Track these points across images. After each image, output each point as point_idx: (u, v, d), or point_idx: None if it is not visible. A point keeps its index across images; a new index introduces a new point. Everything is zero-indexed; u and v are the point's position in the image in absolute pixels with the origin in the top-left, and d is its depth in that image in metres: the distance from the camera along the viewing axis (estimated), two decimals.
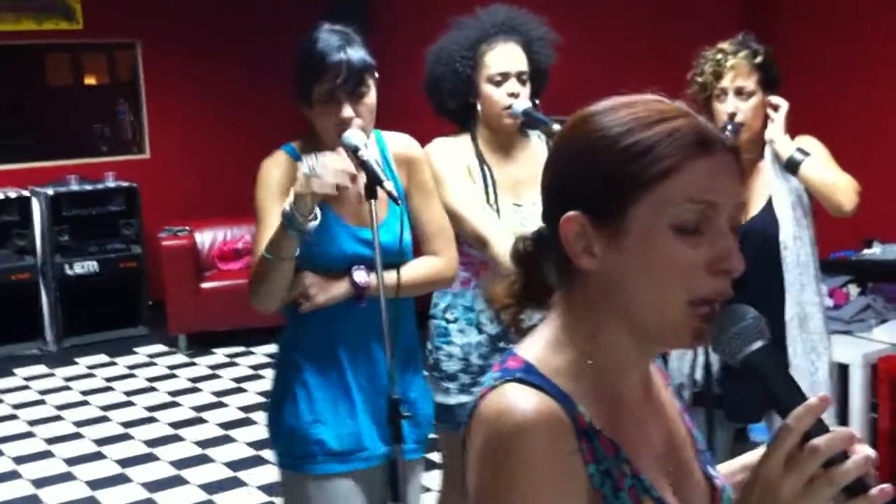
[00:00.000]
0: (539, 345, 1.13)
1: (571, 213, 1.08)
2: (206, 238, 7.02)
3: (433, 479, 3.66)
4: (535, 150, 2.99)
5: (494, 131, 2.92)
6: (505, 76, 2.84)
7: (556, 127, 2.72)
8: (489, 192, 2.86)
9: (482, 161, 2.89)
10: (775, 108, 2.92)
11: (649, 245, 1.05)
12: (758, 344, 1.05)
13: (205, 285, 6.78)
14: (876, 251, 3.36)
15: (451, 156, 2.86)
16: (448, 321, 2.92)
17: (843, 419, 3.77)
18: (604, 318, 1.10)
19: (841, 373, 3.78)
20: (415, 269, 2.46)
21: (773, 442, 0.98)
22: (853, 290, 3.78)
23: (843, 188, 2.84)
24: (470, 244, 2.82)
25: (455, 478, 2.99)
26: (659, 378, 1.25)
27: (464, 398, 2.88)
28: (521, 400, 1.04)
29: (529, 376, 1.07)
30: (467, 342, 2.90)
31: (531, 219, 2.87)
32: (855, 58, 5.02)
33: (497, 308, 1.21)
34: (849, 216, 2.87)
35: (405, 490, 2.34)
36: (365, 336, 2.39)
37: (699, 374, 2.84)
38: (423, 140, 2.71)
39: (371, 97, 2.35)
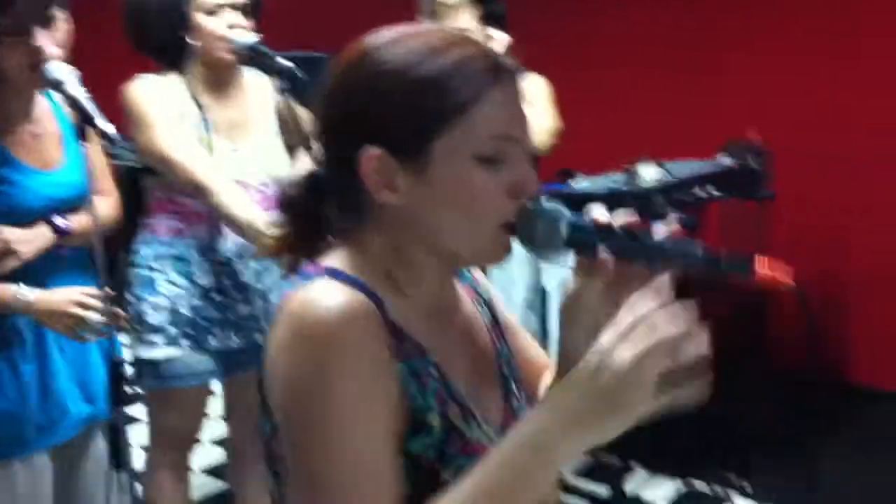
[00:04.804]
0: (338, 258, 1.12)
1: (372, 150, 1.06)
2: None
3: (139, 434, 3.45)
4: (255, 90, 2.84)
5: (210, 69, 2.72)
6: (220, 6, 2.64)
7: (286, 63, 2.60)
8: (205, 136, 2.68)
9: (196, 102, 2.70)
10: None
11: (454, 177, 1.06)
12: (564, 224, 1.07)
13: None
14: (584, 184, 3.50)
15: (159, 97, 2.65)
16: (154, 270, 2.74)
17: (542, 344, 3.95)
18: (406, 248, 1.11)
19: (542, 298, 3.94)
20: (102, 211, 2.30)
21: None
22: None
23: (536, 132, 2.94)
24: (183, 192, 2.66)
25: (158, 432, 2.88)
26: (465, 294, 1.26)
27: (172, 351, 2.73)
28: (331, 291, 1.04)
29: (335, 275, 1.08)
30: (177, 293, 2.74)
31: (252, 163, 2.76)
32: None
33: (274, 257, 1.18)
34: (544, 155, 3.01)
35: (128, 454, 2.20)
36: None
37: None
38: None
39: (64, 26, 2.13)
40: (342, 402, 0.98)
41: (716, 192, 3.64)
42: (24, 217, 2.15)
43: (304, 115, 2.71)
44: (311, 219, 1.16)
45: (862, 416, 4.20)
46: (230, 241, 2.75)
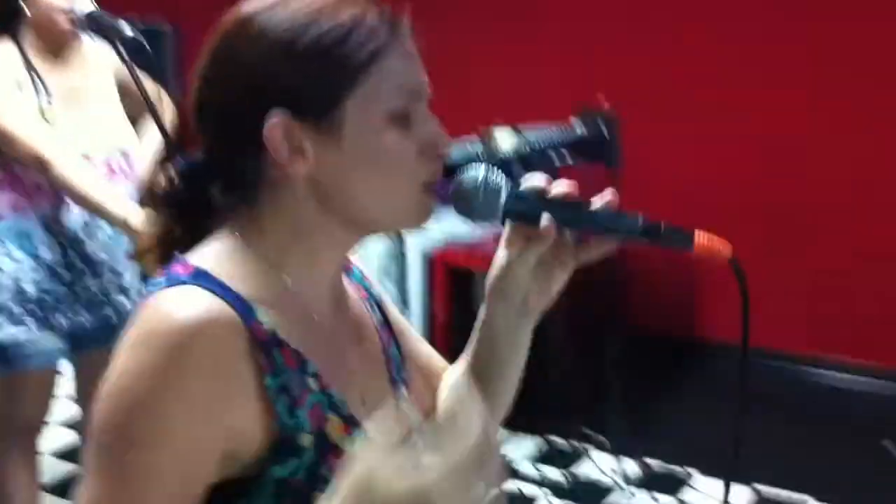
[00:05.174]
0: (214, 254, 1.04)
1: (278, 117, 1.00)
2: None
3: None
4: (94, 58, 2.73)
5: (46, 36, 2.60)
6: None
7: (128, 31, 2.50)
8: (43, 106, 2.57)
9: (32, 70, 2.58)
10: None
11: (367, 137, 1.02)
12: (507, 195, 1.07)
13: None
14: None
15: None
16: None
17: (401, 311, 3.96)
18: (310, 226, 1.05)
19: (401, 265, 3.94)
20: None
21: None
22: None
23: None
24: (24, 165, 2.54)
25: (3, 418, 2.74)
26: (353, 292, 1.20)
27: (16, 331, 2.61)
28: (188, 300, 0.96)
29: (199, 281, 0.99)
30: (20, 270, 2.61)
31: (94, 134, 2.65)
32: None
33: (143, 258, 1.09)
34: None
35: None
36: None
37: None
38: None
39: None
40: (159, 433, 0.92)
41: (569, 159, 3.69)
42: None
43: (149, 85, 2.62)
44: (190, 211, 1.09)
45: (715, 370, 4.35)
46: (75, 214, 2.65)
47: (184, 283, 0.99)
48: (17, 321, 2.61)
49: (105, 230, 2.68)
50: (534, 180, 1.08)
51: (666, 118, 4.43)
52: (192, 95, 1.06)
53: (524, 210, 1.07)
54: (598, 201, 1.07)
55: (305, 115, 1.00)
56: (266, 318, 1.00)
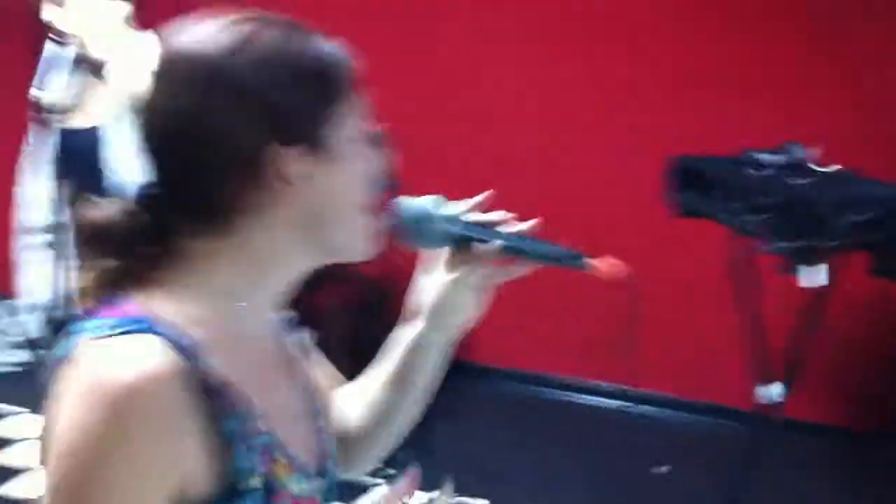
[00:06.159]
0: (162, 292, 1.01)
1: (272, 144, 0.99)
2: None
3: None
4: None
5: None
6: None
7: None
8: None
9: None
10: None
11: (344, 160, 1.04)
12: (449, 225, 1.15)
13: None
14: None
15: None
16: None
17: None
18: (277, 252, 1.04)
19: None
20: None
21: None
22: None
23: None
24: None
25: None
26: (282, 331, 1.18)
27: None
28: (135, 354, 0.93)
29: (150, 325, 0.96)
30: None
31: None
32: None
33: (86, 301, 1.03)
34: None
35: None
36: None
37: None
38: None
39: None
40: (109, 498, 0.91)
41: None
42: None
43: None
44: (147, 244, 1.03)
45: (480, 392, 4.45)
46: None
47: (132, 328, 0.95)
48: None
49: None
50: (468, 208, 1.16)
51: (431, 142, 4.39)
52: (149, 123, 1.02)
53: (472, 235, 1.15)
54: (521, 226, 1.16)
55: (299, 142, 1.01)
56: (215, 360, 0.98)
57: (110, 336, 0.95)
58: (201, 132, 0.99)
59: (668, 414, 4.32)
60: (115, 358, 0.93)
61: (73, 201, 2.83)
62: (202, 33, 1.01)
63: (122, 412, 0.90)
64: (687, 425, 4.26)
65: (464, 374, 4.47)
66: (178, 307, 1.00)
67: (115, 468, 0.91)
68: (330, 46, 1.05)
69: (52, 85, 2.86)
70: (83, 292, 1.04)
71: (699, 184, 3.34)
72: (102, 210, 1.05)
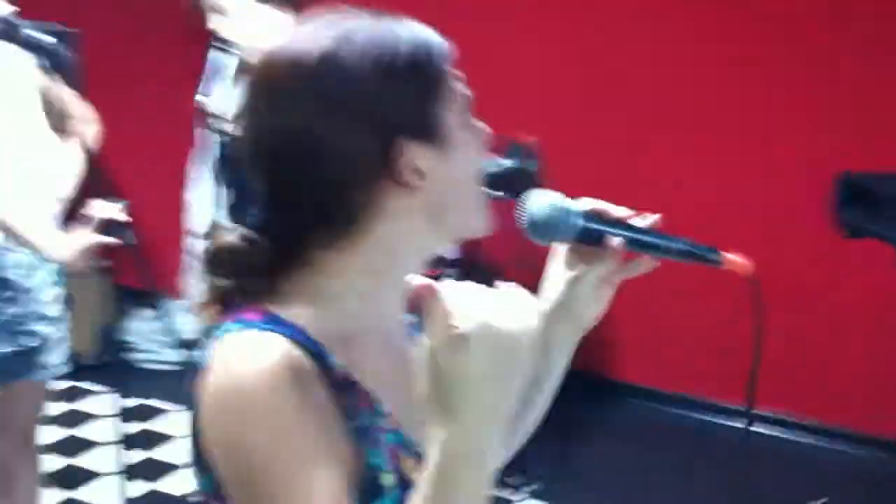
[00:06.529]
0: (281, 298, 1.02)
1: (400, 144, 1.00)
2: None
3: None
4: (6, 62, 2.57)
5: None
6: None
7: (47, 38, 2.35)
8: None
9: None
10: None
11: (457, 145, 1.04)
12: (578, 219, 1.13)
13: None
14: None
15: None
16: None
17: None
18: (408, 245, 1.05)
19: None
20: None
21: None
22: None
23: None
24: None
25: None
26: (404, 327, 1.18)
27: None
28: (264, 347, 0.95)
29: (275, 326, 0.98)
30: None
31: (7, 138, 2.51)
32: None
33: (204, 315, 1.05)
34: None
35: None
36: None
37: None
38: None
39: None
40: (293, 459, 0.92)
41: (495, 192, 3.65)
42: None
43: (65, 94, 2.48)
44: (255, 265, 1.04)
45: (622, 410, 4.33)
46: None
47: (259, 328, 0.97)
48: None
49: (25, 253, 2.54)
50: (596, 203, 1.14)
51: (589, 151, 4.33)
52: (262, 136, 1.03)
53: (600, 229, 1.14)
54: (641, 222, 1.15)
55: (417, 134, 1.01)
56: (340, 360, 1.00)
57: (237, 336, 0.97)
58: (322, 144, 1.00)
59: (825, 444, 4.12)
60: (243, 353, 0.95)
61: (233, 209, 2.91)
62: (292, 44, 1.02)
63: (269, 393, 0.92)
64: (846, 457, 4.06)
65: (609, 393, 4.43)
66: (304, 311, 1.01)
67: (286, 443, 0.92)
68: (421, 33, 1.05)
69: (216, 92, 2.95)
70: (202, 308, 1.06)
71: (867, 202, 3.19)
72: (223, 240, 1.06)
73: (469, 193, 1.07)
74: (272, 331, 0.97)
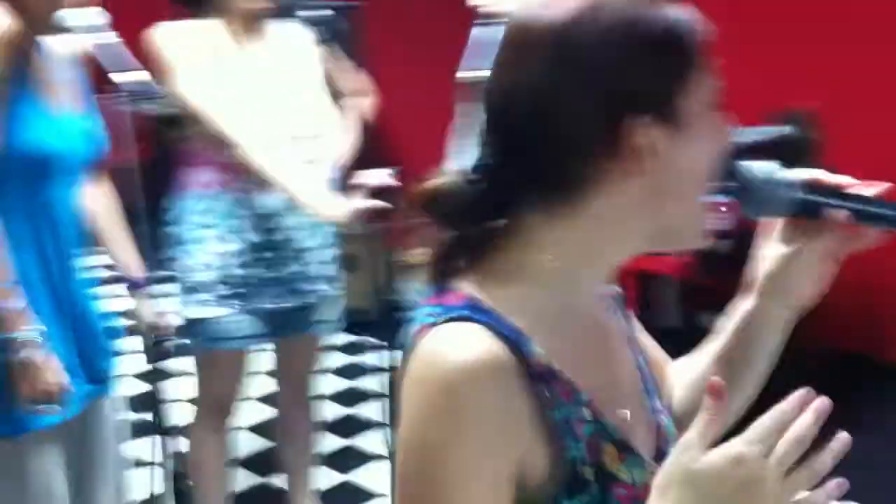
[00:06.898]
0: (484, 277, 1.02)
1: (637, 119, 0.96)
2: None
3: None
4: (289, 40, 2.74)
5: (241, 17, 2.62)
6: None
7: (325, 12, 2.49)
8: (236, 87, 2.58)
9: (226, 50, 2.60)
10: None
11: (693, 133, 0.99)
12: (796, 190, 1.06)
13: None
14: None
15: (188, 43, 2.56)
16: (202, 227, 2.67)
17: None
18: (621, 230, 1.01)
19: None
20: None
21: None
22: None
23: None
24: (220, 146, 2.57)
25: (202, 394, 2.84)
26: (606, 302, 1.16)
27: (221, 311, 2.67)
28: (463, 342, 0.94)
29: (474, 314, 0.97)
30: (228, 251, 2.67)
31: (288, 114, 2.66)
32: None
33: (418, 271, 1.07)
34: None
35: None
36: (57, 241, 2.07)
37: None
38: None
39: None
40: (452, 478, 0.92)
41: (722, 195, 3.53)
42: (36, 160, 1.99)
43: (342, 66, 2.60)
44: (476, 219, 1.03)
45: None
46: (274, 196, 2.65)
47: (458, 315, 0.97)
48: (223, 303, 2.67)
49: (306, 216, 2.66)
50: (815, 172, 1.07)
51: (871, 118, 4.04)
52: (502, 87, 1.01)
53: (820, 201, 1.07)
54: (866, 191, 1.07)
55: (652, 112, 0.97)
56: (541, 349, 0.98)
57: (437, 325, 0.96)
58: (559, 106, 0.97)
59: None
60: (443, 348, 0.94)
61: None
62: (549, 6, 0.99)
63: (452, 396, 0.92)
64: None
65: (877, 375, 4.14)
66: (506, 291, 1.00)
67: (454, 447, 0.92)
68: (678, 13, 0.99)
69: (480, 67, 3.00)
70: (417, 269, 1.06)
71: None
72: (442, 179, 1.05)
73: (693, 187, 1.01)
74: (473, 319, 0.96)
